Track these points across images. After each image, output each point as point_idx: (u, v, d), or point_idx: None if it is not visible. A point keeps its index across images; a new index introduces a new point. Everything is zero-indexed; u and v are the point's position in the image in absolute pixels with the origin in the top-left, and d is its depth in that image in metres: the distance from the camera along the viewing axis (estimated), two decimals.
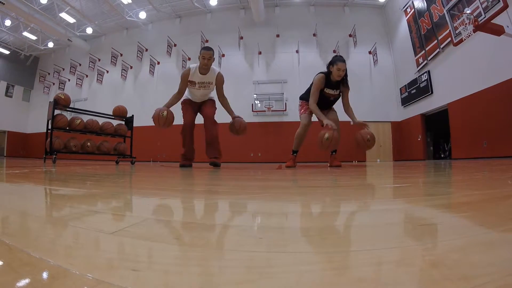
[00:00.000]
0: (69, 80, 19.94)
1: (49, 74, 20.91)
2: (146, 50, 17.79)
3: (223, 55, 16.33)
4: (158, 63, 17.55)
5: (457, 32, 8.24)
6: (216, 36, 16.32)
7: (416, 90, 13.15)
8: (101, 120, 6.50)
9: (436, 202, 0.96)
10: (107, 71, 18.70)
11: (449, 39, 9.59)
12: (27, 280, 0.33)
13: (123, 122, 6.98)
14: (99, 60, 18.95)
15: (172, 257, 0.44)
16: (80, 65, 19.53)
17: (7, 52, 20.07)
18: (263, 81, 16.13)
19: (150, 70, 17.38)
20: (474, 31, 7.34)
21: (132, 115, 7.06)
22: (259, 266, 0.39)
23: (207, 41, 16.37)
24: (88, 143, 6.27)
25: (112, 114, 6.73)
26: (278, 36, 16.38)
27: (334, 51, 15.12)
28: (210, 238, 0.55)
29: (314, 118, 4.89)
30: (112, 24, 18.51)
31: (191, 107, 4.96)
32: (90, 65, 18.92)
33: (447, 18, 8.58)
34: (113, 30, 19.11)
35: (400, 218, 0.73)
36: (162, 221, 0.71)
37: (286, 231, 0.61)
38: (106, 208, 0.93)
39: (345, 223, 0.71)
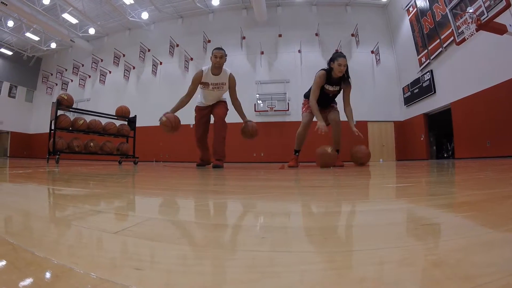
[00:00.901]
0: (72, 80, 19.99)
1: (52, 74, 20.97)
2: (149, 50, 17.82)
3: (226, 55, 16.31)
4: (161, 63, 17.57)
5: (459, 31, 8.21)
6: (218, 36, 16.31)
7: (419, 90, 13.10)
8: (104, 121, 6.51)
9: (438, 202, 0.96)
10: (110, 72, 18.73)
11: (452, 38, 9.56)
12: (31, 279, 0.34)
13: (126, 122, 7.00)
14: (102, 60, 19.00)
15: (175, 257, 0.44)
16: (82, 65, 19.58)
17: (10, 53, 20.16)
18: (266, 81, 16.12)
19: (152, 70, 17.40)
20: (477, 30, 7.30)
21: (135, 115, 7.08)
22: (262, 265, 0.39)
23: (209, 41, 16.39)
24: (91, 143, 6.29)
25: (115, 114, 6.75)
26: (280, 36, 16.35)
27: (337, 51, 15.04)
28: (213, 237, 0.55)
29: (315, 118, 4.89)
30: (115, 24, 18.55)
31: (203, 119, 5.05)
32: (93, 66, 18.97)
33: (449, 17, 8.55)
34: (116, 30, 19.14)
35: (402, 218, 0.73)
36: (165, 220, 0.72)
37: (288, 231, 0.61)
38: (109, 208, 0.94)
39: (347, 223, 0.71)
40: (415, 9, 12.92)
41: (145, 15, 17.40)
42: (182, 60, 16.88)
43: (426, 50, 12.36)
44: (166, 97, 16.18)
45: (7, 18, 17.05)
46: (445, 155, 13.58)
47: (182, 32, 17.61)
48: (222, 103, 5.02)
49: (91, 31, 18.62)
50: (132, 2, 16.33)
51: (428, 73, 12.23)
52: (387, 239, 0.52)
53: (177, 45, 17.21)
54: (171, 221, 0.72)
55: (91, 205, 0.94)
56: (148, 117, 12.07)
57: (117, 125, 6.73)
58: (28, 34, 18.38)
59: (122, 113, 6.83)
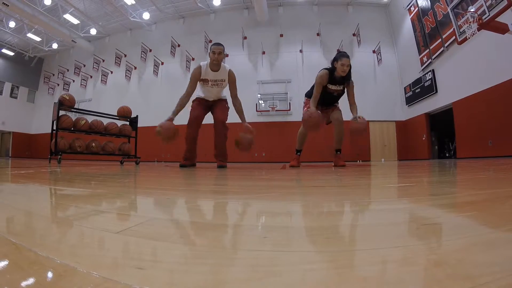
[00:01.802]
0: (73, 81, 20.06)
1: (53, 75, 21.05)
2: (150, 50, 17.85)
3: (227, 55, 16.33)
4: (162, 63, 17.60)
5: (461, 30, 8.21)
6: (220, 36, 16.30)
7: (421, 89, 13.09)
8: (105, 121, 6.52)
9: (440, 202, 0.96)
10: (111, 72, 18.79)
11: (454, 37, 9.56)
12: (35, 278, 0.34)
13: (128, 123, 7.00)
14: (103, 61, 19.05)
15: (177, 256, 0.44)
16: (84, 66, 19.64)
17: (11, 53, 20.24)
18: (267, 81, 16.13)
19: (154, 70, 17.43)
20: (479, 29, 7.30)
21: (137, 116, 7.09)
22: (264, 264, 0.40)
23: (210, 41, 16.40)
24: (93, 144, 6.29)
25: (116, 114, 6.75)
26: (281, 35, 16.36)
27: (338, 51, 15.09)
28: (215, 237, 0.55)
29: None
30: (116, 25, 18.59)
31: (201, 105, 4.74)
32: (95, 66, 19.03)
33: (451, 17, 8.54)
34: (117, 31, 19.19)
35: (403, 218, 0.73)
36: (167, 220, 0.72)
37: (290, 231, 0.62)
38: (112, 207, 0.94)
39: (349, 223, 0.72)
40: (417, 8, 12.91)
41: (146, 15, 17.43)
42: (183, 60, 16.91)
43: (427, 50, 12.34)
44: (168, 97, 16.22)
45: (9, 19, 17.11)
46: (447, 155, 13.57)
47: (184, 32, 17.64)
48: (222, 102, 4.84)
49: (93, 31, 18.67)
50: (134, 2, 16.37)
51: (430, 73, 12.22)
52: (389, 239, 0.52)
53: (179, 45, 17.24)
54: (173, 220, 0.73)
55: (93, 205, 0.95)
56: (149, 117, 12.06)
57: (119, 125, 6.74)
58: (29, 35, 18.46)
59: (124, 113, 6.83)
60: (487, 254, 0.41)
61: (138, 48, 17.72)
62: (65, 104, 5.74)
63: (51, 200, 1.13)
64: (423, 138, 13.22)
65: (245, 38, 16.27)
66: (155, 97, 17.13)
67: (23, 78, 21.23)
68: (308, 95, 4.99)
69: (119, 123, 6.83)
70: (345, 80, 4.65)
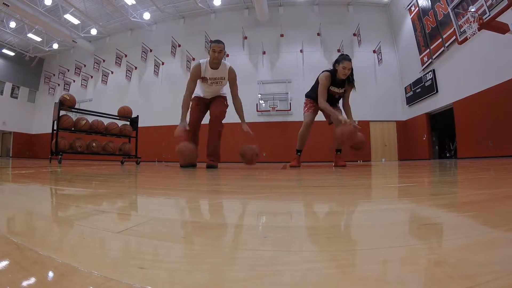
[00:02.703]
0: (74, 81, 20.07)
1: (54, 75, 21.05)
2: (151, 50, 17.86)
3: (227, 55, 16.33)
4: (163, 63, 17.60)
5: (461, 30, 8.21)
6: (220, 36, 16.10)
7: (421, 89, 13.08)
8: (106, 121, 6.52)
9: (440, 202, 0.96)
10: (112, 72, 18.79)
11: (454, 37, 9.56)
12: (37, 278, 0.34)
13: (128, 123, 7.01)
14: (104, 61, 19.06)
15: (179, 256, 0.44)
16: (85, 66, 19.65)
17: (12, 53, 20.25)
18: (268, 81, 16.13)
19: (154, 70, 17.43)
20: (479, 29, 7.30)
21: (137, 116, 7.09)
22: (264, 264, 0.40)
23: (211, 41, 16.36)
24: (94, 144, 6.30)
25: (117, 114, 6.75)
26: (282, 35, 16.35)
27: (339, 50, 15.09)
28: (215, 237, 0.56)
29: (317, 118, 4.89)
30: (117, 25, 18.60)
31: (199, 107, 4.62)
32: (95, 66, 19.03)
33: (451, 17, 8.55)
34: (118, 31, 19.19)
35: (404, 218, 0.73)
36: (168, 220, 0.72)
37: (291, 230, 0.62)
38: (113, 207, 0.94)
39: (349, 223, 0.72)
40: (417, 8, 12.90)
41: (147, 16, 17.43)
42: (184, 60, 16.90)
43: (428, 50, 12.33)
44: (168, 97, 16.27)
45: (9, 19, 17.12)
46: (448, 155, 13.56)
47: (184, 32, 17.64)
48: (220, 99, 4.66)
49: (93, 31, 18.66)
50: (134, 2, 16.37)
51: (430, 73, 12.21)
52: (389, 239, 0.52)
53: (179, 45, 17.23)
54: (174, 220, 0.73)
55: (94, 205, 0.95)
56: (150, 117, 12.09)
57: (119, 125, 6.74)
58: (30, 35, 18.47)
59: (124, 114, 6.84)
60: (487, 253, 0.41)
61: (138, 48, 17.72)
62: (65, 104, 5.75)
63: (52, 200, 1.13)
64: (424, 138, 13.21)
65: (246, 38, 16.26)
66: (156, 97, 17.14)
67: (24, 78, 21.24)
68: (308, 95, 5.00)
69: (120, 123, 6.83)
70: (347, 82, 4.64)
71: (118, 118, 6.79)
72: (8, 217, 0.72)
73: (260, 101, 15.71)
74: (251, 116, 14.10)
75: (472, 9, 7.77)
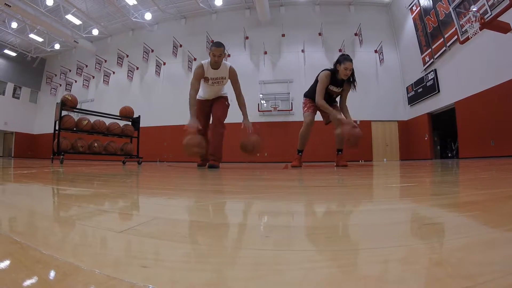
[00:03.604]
0: (75, 81, 20.09)
1: (56, 75, 21.08)
2: (152, 51, 17.87)
3: (229, 55, 16.34)
4: (164, 63, 17.60)
5: (463, 30, 8.19)
6: (222, 36, 16.28)
7: (423, 89, 13.04)
8: (108, 121, 6.54)
9: (442, 202, 0.96)
10: (114, 72, 18.80)
11: (456, 37, 9.53)
12: (39, 277, 0.34)
13: (130, 123, 7.01)
14: (105, 61, 19.08)
15: (181, 255, 0.44)
16: (86, 66, 19.67)
17: (14, 54, 20.29)
18: (269, 81, 16.11)
19: (156, 70, 17.44)
20: (481, 28, 7.28)
21: (139, 116, 7.10)
22: (266, 263, 0.40)
23: (212, 41, 16.37)
24: (95, 144, 6.31)
25: (118, 114, 6.76)
26: (283, 35, 16.33)
27: (340, 50, 15.07)
28: (217, 236, 0.56)
29: (317, 117, 4.89)
30: (118, 25, 18.61)
31: (203, 113, 4.70)
32: (97, 66, 19.06)
33: (453, 16, 8.53)
34: (119, 31, 19.21)
35: (405, 217, 0.74)
36: (170, 220, 0.72)
37: (292, 230, 0.62)
38: (115, 207, 0.95)
39: (350, 222, 0.72)
40: (419, 8, 12.87)
41: (148, 16, 17.43)
42: (185, 60, 16.91)
43: (429, 49, 12.30)
44: (170, 97, 16.29)
45: (11, 20, 17.15)
46: (449, 155, 13.52)
47: (185, 32, 17.64)
48: (222, 99, 4.77)
49: (95, 32, 18.67)
50: (135, 2, 16.38)
51: (432, 72, 12.18)
52: (391, 238, 0.52)
53: (181, 46, 17.24)
54: (176, 220, 0.73)
55: (96, 205, 0.95)
56: (152, 117, 12.09)
57: (121, 125, 6.75)
58: (32, 35, 18.49)
59: (126, 114, 6.85)
60: (487, 253, 0.41)
61: (140, 48, 17.74)
62: (67, 104, 5.76)
63: (54, 199, 1.13)
64: (425, 138, 13.18)
65: (247, 38, 16.26)
66: (157, 97, 17.16)
67: (26, 78, 21.28)
68: (307, 95, 5.00)
69: (121, 123, 6.84)
70: (346, 83, 4.64)
71: (119, 118, 6.80)
72: (11, 217, 0.73)
73: (262, 101, 15.70)
74: (252, 116, 14.00)
75: (474, 8, 7.76)
